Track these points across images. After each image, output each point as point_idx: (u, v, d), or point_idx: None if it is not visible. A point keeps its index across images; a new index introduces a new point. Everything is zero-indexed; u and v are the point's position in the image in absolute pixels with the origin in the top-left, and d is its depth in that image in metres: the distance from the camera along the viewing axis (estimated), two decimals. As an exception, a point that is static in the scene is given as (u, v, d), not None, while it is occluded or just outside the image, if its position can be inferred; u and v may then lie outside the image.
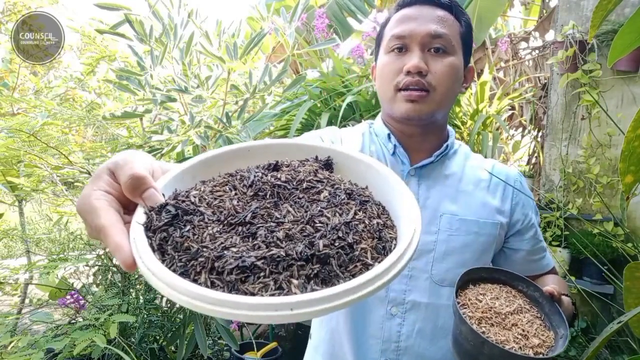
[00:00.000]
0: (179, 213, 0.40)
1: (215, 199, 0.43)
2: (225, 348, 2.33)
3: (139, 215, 0.41)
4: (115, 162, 0.43)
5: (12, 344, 1.71)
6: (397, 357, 0.84)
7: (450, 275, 0.84)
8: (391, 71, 0.84)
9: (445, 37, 0.83)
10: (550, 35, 3.26)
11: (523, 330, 0.65)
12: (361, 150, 0.92)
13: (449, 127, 0.96)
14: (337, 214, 0.41)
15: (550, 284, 0.84)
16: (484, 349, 0.61)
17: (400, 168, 0.89)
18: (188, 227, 0.39)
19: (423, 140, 0.90)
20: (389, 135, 0.90)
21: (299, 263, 0.36)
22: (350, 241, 0.38)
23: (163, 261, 0.37)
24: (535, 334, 0.65)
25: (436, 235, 0.85)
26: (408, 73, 0.82)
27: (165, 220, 0.40)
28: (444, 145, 0.90)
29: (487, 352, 0.61)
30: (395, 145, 0.90)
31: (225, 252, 0.37)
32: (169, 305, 2.15)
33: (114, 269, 2.11)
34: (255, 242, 0.38)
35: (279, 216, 0.40)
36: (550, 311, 0.70)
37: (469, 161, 0.94)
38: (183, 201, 0.42)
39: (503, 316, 0.66)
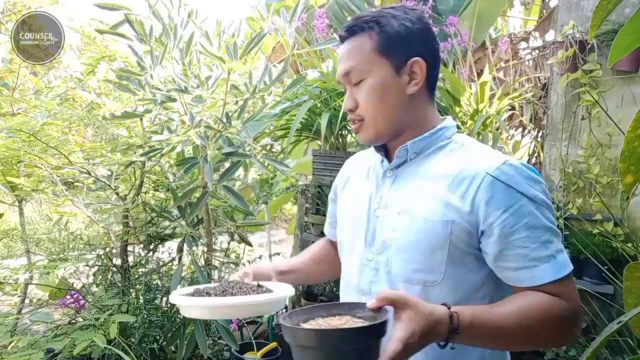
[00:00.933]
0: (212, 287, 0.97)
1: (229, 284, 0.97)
2: (225, 348, 2.33)
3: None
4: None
5: (12, 344, 1.71)
6: None
7: (404, 271, 0.89)
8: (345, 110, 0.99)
9: (353, 70, 0.91)
10: (550, 35, 3.26)
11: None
12: (350, 175, 1.12)
13: (446, 123, 0.96)
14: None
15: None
16: (318, 341, 0.65)
17: (382, 171, 1.00)
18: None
19: (399, 147, 0.96)
20: (375, 148, 1.02)
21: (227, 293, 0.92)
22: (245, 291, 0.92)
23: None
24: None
25: (393, 232, 0.91)
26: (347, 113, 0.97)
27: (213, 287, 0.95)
28: (404, 147, 0.93)
29: (320, 343, 0.64)
30: (382, 155, 1.01)
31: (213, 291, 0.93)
32: (169, 305, 2.15)
33: (114, 269, 2.11)
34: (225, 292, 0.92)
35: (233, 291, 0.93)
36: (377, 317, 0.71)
37: (452, 156, 0.91)
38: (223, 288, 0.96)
39: (321, 322, 0.72)
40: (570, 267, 0.83)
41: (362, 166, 1.08)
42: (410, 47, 0.89)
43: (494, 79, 3.13)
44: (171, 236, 2.15)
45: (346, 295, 1.01)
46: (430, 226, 0.85)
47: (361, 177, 1.05)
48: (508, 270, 0.83)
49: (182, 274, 1.92)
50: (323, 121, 2.08)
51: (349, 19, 3.62)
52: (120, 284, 2.03)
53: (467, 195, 0.84)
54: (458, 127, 2.25)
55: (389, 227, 0.91)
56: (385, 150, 1.00)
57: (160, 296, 2.12)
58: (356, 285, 0.96)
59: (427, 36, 0.92)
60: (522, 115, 3.22)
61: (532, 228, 0.81)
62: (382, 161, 1.00)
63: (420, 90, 0.92)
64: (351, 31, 0.91)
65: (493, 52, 3.39)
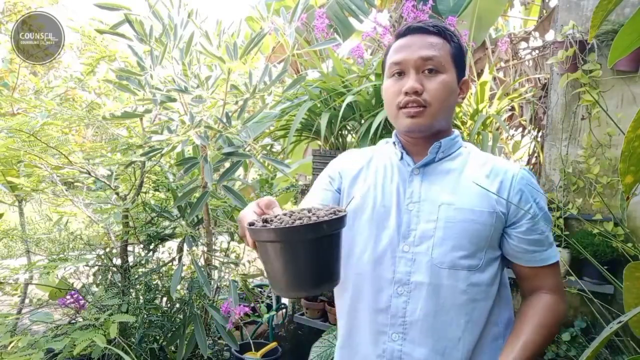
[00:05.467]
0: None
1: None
2: (225, 348, 2.33)
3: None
4: (261, 198, 0.83)
5: (12, 344, 1.71)
6: (404, 331, 0.98)
7: (451, 258, 0.96)
8: (393, 93, 1.01)
9: (435, 59, 0.98)
10: (550, 35, 3.27)
11: None
12: (360, 169, 1.12)
13: (455, 131, 1.09)
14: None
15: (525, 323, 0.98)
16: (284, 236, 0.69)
17: (406, 169, 1.05)
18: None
19: (426, 145, 1.03)
20: (394, 143, 1.08)
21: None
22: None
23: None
24: None
25: (435, 222, 0.98)
26: (406, 94, 0.98)
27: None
28: (438, 143, 1.03)
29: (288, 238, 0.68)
30: (402, 153, 1.06)
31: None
32: (169, 305, 2.15)
33: (114, 269, 2.11)
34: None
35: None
36: None
37: (471, 159, 1.05)
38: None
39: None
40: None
41: (373, 163, 1.12)
42: (464, 67, 1.06)
43: (494, 79, 3.13)
44: (171, 236, 2.15)
45: (375, 285, 1.02)
46: (479, 216, 0.96)
47: (377, 174, 1.09)
48: (528, 252, 0.99)
49: (182, 274, 1.92)
50: (323, 121, 2.07)
51: (349, 19, 3.63)
52: (120, 284, 2.03)
53: (503, 191, 0.99)
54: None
55: (428, 219, 0.99)
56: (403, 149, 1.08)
57: (160, 296, 2.12)
58: (389, 278, 1.00)
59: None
60: (522, 115, 3.22)
61: (546, 219, 1.00)
62: (402, 159, 1.06)
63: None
64: (436, 30, 1.01)
65: (493, 52, 3.39)
